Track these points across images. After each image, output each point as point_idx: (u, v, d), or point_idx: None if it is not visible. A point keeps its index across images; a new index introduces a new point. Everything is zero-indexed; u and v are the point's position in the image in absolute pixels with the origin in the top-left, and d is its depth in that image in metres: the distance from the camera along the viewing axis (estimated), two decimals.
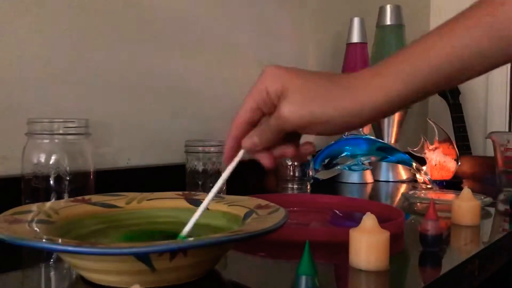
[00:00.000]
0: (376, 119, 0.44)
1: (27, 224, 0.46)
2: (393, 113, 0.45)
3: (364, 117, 0.43)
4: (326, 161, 1.16)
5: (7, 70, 0.75)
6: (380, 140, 1.20)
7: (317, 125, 0.43)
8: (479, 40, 0.41)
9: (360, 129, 1.16)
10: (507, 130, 1.82)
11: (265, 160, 0.48)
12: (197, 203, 0.59)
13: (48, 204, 0.54)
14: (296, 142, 0.48)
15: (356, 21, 1.30)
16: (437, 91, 0.44)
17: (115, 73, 0.89)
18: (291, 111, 0.43)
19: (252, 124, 0.46)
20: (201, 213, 0.48)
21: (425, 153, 1.21)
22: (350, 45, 1.30)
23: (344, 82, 0.43)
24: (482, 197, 0.91)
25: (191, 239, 0.43)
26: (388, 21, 1.38)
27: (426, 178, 1.10)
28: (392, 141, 1.36)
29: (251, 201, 0.57)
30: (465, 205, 0.73)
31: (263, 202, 0.56)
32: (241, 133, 0.47)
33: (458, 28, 0.43)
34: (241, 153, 0.48)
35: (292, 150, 0.47)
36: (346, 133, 1.17)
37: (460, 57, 0.41)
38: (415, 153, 1.21)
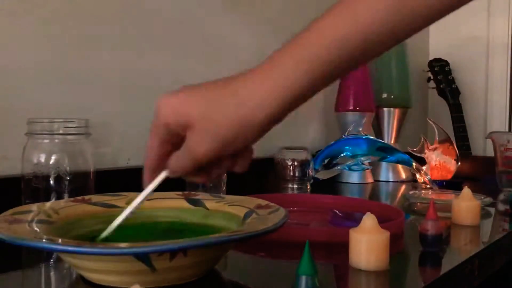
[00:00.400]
0: (282, 115, 0.42)
1: (27, 224, 0.46)
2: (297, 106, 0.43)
3: (270, 117, 0.41)
4: (326, 161, 1.16)
5: (7, 70, 0.74)
6: (380, 140, 1.19)
7: (232, 146, 0.42)
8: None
9: (360, 129, 1.16)
10: (507, 130, 1.82)
11: (199, 179, 0.46)
12: (197, 203, 0.59)
13: (48, 204, 0.54)
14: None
15: None
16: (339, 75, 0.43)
17: (115, 73, 0.89)
18: (200, 148, 0.41)
19: (165, 156, 0.44)
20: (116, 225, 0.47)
21: (425, 153, 1.21)
22: None
23: (240, 90, 0.41)
24: (482, 197, 0.91)
25: (191, 239, 0.43)
26: None
27: (426, 178, 1.10)
28: (392, 141, 1.36)
29: (251, 201, 0.57)
30: (465, 205, 0.73)
31: (263, 202, 0.56)
32: (156, 167, 0.45)
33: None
34: (162, 176, 0.46)
35: (226, 166, 0.45)
36: (346, 133, 1.17)
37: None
38: (415, 153, 1.21)
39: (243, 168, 0.45)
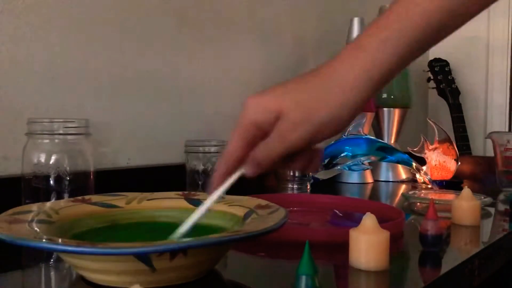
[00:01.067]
0: (373, 95, 0.43)
1: (27, 224, 0.46)
2: (386, 82, 0.43)
3: (365, 96, 0.42)
4: (326, 161, 1.16)
5: (7, 70, 0.74)
6: (380, 140, 1.19)
7: (327, 129, 0.42)
8: None
9: (360, 129, 1.16)
10: (507, 130, 1.82)
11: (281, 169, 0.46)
12: (197, 203, 0.59)
13: (48, 204, 0.54)
14: (304, 152, 0.45)
15: (356, 21, 1.30)
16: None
17: (115, 73, 0.89)
18: (298, 132, 0.42)
19: (244, 157, 0.45)
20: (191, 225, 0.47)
21: (425, 153, 1.21)
22: None
23: (330, 74, 0.42)
24: (482, 197, 0.91)
25: (191, 239, 0.43)
26: None
27: (426, 178, 1.10)
28: (392, 141, 1.36)
29: (251, 201, 0.57)
30: (465, 205, 0.73)
31: (263, 202, 0.56)
32: (233, 169, 0.45)
33: None
34: (238, 173, 0.46)
35: (305, 160, 0.45)
36: (346, 133, 1.17)
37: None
38: (415, 153, 1.21)
39: (315, 168, 0.47)
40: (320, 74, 0.43)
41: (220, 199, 0.46)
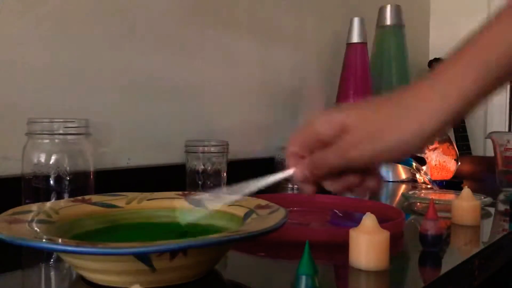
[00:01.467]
0: (452, 121, 0.40)
1: (27, 224, 0.46)
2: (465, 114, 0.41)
3: (441, 123, 0.40)
4: None
5: (7, 70, 0.75)
6: None
7: (390, 154, 0.41)
8: None
9: None
10: (507, 130, 1.82)
11: (328, 185, 0.44)
12: (197, 203, 0.59)
13: (48, 204, 0.54)
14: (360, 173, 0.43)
15: (356, 21, 1.30)
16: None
17: (115, 73, 0.89)
18: (359, 149, 0.41)
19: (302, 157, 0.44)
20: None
21: (425, 153, 1.21)
22: (350, 45, 1.30)
23: (408, 100, 0.41)
24: (482, 197, 0.91)
25: (191, 239, 0.43)
26: (388, 21, 1.38)
27: (426, 178, 1.10)
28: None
29: (251, 201, 0.57)
30: (465, 205, 0.73)
31: (263, 202, 0.56)
32: (298, 160, 0.45)
33: None
34: (288, 172, 0.46)
35: (356, 181, 0.43)
36: None
37: None
38: (415, 153, 1.21)
39: (364, 193, 0.45)
40: (395, 99, 0.42)
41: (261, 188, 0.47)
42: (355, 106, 0.43)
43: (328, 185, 0.44)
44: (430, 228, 0.59)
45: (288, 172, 0.45)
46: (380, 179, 0.45)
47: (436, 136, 0.40)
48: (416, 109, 0.40)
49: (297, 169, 0.44)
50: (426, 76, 0.41)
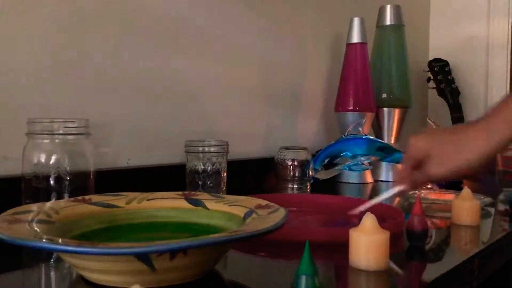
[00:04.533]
0: (491, 156, 0.60)
1: (27, 224, 0.46)
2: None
3: (485, 158, 0.59)
4: (326, 161, 1.16)
5: (7, 70, 0.75)
6: (380, 140, 1.20)
7: (456, 173, 0.61)
8: None
9: (360, 129, 1.16)
10: None
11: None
12: (197, 203, 0.59)
13: (48, 204, 0.54)
14: None
15: (356, 21, 1.30)
16: None
17: (115, 73, 0.89)
18: (437, 172, 0.62)
19: (412, 174, 0.65)
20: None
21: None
22: (350, 45, 1.30)
23: (465, 138, 0.61)
24: (482, 197, 0.91)
25: (191, 239, 0.43)
26: (388, 21, 1.38)
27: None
28: (392, 141, 1.36)
29: (251, 201, 0.57)
30: (465, 205, 0.73)
31: (263, 202, 0.56)
32: (401, 180, 0.66)
33: None
34: (400, 187, 0.67)
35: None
36: (346, 133, 1.17)
37: None
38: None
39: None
40: (458, 133, 0.62)
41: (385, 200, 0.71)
42: (436, 136, 0.64)
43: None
44: (416, 224, 0.60)
45: (400, 188, 0.66)
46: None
47: (488, 159, 0.59)
48: (474, 142, 0.59)
49: (406, 186, 0.66)
50: (483, 117, 0.61)
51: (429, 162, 0.62)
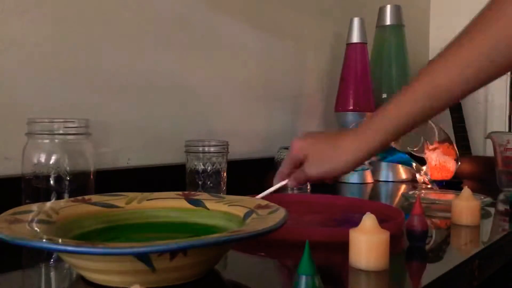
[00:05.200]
0: (362, 161, 0.65)
1: (27, 224, 0.46)
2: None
3: (348, 164, 0.64)
4: None
5: (7, 70, 0.75)
6: None
7: (330, 174, 0.66)
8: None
9: None
10: (507, 130, 1.82)
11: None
12: (197, 203, 0.59)
13: (48, 204, 0.54)
14: None
15: (356, 21, 1.30)
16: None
17: (115, 73, 0.89)
18: (312, 171, 0.66)
19: (290, 172, 0.68)
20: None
21: (425, 153, 1.21)
22: (350, 45, 1.30)
23: (340, 143, 0.65)
24: (482, 197, 0.91)
25: (191, 239, 0.43)
26: (388, 21, 1.38)
27: (426, 178, 1.10)
28: (392, 141, 1.36)
29: (251, 201, 0.57)
30: (465, 205, 0.73)
31: (263, 202, 0.56)
32: (284, 177, 0.69)
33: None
34: (281, 183, 0.69)
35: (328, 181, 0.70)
36: None
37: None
38: (415, 153, 1.21)
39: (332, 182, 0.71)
40: (334, 139, 0.66)
41: (270, 194, 0.68)
42: (314, 139, 0.68)
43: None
44: (416, 224, 0.60)
45: (282, 183, 0.69)
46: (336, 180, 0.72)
47: (355, 165, 0.64)
48: (344, 148, 0.64)
49: (289, 181, 0.69)
50: (354, 129, 0.66)
51: (307, 162, 0.66)
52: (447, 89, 0.57)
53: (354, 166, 0.65)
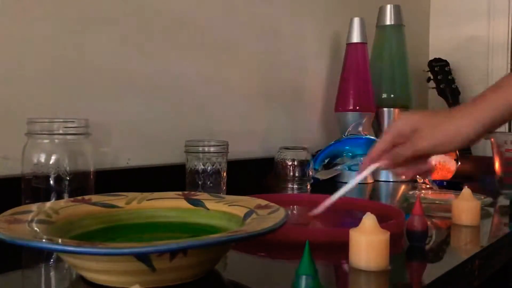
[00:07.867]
0: (477, 137, 0.62)
1: (27, 224, 0.46)
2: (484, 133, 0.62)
3: (469, 136, 0.61)
4: (326, 161, 1.16)
5: (7, 70, 0.75)
6: None
7: (444, 146, 0.62)
8: None
9: (360, 129, 1.16)
10: (507, 130, 1.81)
11: (403, 170, 0.67)
12: (197, 203, 0.59)
13: (48, 204, 0.54)
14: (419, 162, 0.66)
15: (356, 21, 1.30)
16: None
17: (115, 73, 0.89)
18: (423, 143, 0.62)
19: (385, 152, 0.65)
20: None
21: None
22: (350, 45, 1.30)
23: (451, 113, 0.63)
24: (482, 197, 0.91)
25: (191, 239, 0.43)
26: (388, 21, 1.38)
27: (426, 178, 1.10)
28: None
29: (251, 201, 0.57)
30: (465, 205, 0.73)
31: (263, 202, 0.56)
32: (377, 158, 0.65)
33: None
34: (376, 165, 0.66)
35: (424, 167, 0.66)
36: (346, 133, 1.17)
37: None
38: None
39: (425, 177, 0.72)
40: (449, 113, 0.64)
41: (363, 181, 0.66)
42: (424, 114, 0.64)
43: (402, 171, 0.67)
44: (416, 224, 0.60)
45: (377, 164, 0.65)
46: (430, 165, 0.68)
47: (469, 140, 0.62)
48: (457, 123, 0.62)
49: (383, 161, 0.65)
50: (463, 107, 0.64)
51: (417, 134, 0.62)
52: None
53: (466, 141, 0.62)
